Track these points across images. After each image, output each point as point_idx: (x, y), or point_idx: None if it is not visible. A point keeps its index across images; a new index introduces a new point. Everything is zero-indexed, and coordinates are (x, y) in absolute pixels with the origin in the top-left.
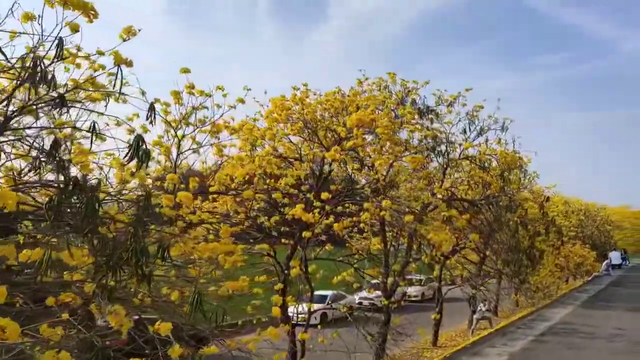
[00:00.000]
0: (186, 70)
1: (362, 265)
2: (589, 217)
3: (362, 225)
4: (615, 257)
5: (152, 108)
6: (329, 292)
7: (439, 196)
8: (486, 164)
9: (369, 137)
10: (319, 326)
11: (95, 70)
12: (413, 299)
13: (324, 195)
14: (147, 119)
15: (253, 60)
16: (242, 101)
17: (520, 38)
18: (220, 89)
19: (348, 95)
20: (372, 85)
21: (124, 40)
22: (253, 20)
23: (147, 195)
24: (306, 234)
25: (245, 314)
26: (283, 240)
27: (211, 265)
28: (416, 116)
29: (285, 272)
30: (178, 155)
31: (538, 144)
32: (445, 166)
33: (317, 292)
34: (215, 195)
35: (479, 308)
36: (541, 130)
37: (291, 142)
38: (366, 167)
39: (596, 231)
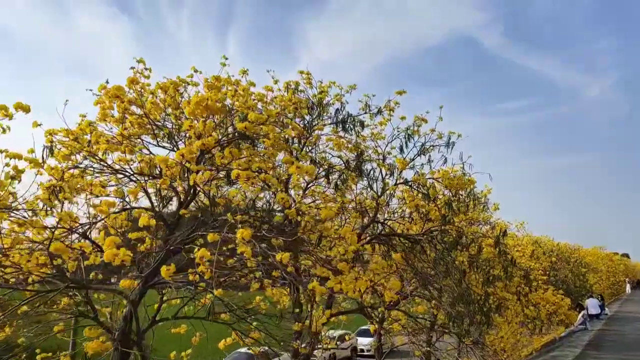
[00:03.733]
0: None
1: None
2: (562, 258)
3: (200, 269)
4: (592, 305)
5: None
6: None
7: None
8: (427, 190)
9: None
10: None
11: None
12: (365, 353)
13: (143, 220)
14: None
15: None
16: None
17: (485, 85)
18: None
19: (207, 80)
20: (282, 90)
21: None
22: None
23: None
24: (125, 283)
25: None
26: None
27: None
28: (340, 129)
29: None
30: None
31: (506, 187)
32: (379, 193)
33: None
34: None
35: None
36: (509, 173)
37: (147, 149)
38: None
39: (570, 274)
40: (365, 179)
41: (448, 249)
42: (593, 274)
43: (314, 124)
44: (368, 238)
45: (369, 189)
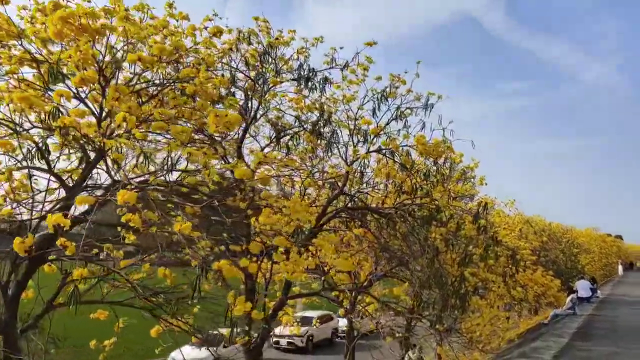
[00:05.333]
0: None
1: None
2: (553, 239)
3: (58, 242)
4: (582, 287)
5: None
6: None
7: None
8: (401, 158)
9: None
10: None
11: None
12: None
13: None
14: None
15: None
16: None
17: (485, 66)
18: None
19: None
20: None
21: None
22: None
23: None
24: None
25: None
26: None
27: None
28: (303, 87)
29: None
30: None
31: (502, 169)
32: (349, 160)
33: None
34: None
35: (406, 357)
36: (506, 154)
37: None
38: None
39: (561, 255)
40: (327, 143)
41: (421, 224)
42: (585, 255)
43: (266, 76)
44: (333, 212)
45: (333, 157)
